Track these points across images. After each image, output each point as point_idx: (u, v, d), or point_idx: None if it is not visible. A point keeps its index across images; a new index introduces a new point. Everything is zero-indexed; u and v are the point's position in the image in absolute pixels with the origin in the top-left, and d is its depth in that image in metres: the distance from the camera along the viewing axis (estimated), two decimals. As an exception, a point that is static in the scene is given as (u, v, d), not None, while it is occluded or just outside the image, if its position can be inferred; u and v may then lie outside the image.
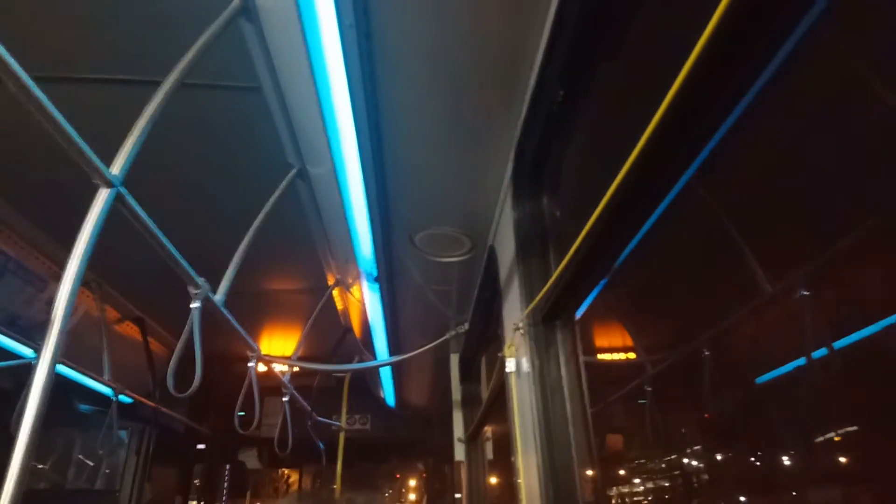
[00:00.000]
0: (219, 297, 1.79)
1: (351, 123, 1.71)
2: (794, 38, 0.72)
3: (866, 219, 1.44)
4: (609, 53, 1.34)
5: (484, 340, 3.38)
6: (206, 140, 2.12)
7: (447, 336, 2.75)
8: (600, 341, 2.97)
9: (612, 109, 1.55)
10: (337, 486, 5.03)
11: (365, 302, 3.12)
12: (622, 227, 1.18)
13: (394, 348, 3.84)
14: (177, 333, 3.30)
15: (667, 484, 2.78)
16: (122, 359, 3.54)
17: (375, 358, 3.95)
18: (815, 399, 1.79)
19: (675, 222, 1.33)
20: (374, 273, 2.73)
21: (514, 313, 1.87)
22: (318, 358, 4.34)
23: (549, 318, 1.67)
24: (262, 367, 2.56)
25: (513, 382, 1.91)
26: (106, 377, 3.21)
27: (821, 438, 1.75)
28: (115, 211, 1.13)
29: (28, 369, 0.96)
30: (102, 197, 1.09)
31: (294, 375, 3.31)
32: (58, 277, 1.00)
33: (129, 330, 3.84)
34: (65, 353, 0.97)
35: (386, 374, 4.84)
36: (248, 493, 6.92)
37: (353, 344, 4.07)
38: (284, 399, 3.19)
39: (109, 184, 1.09)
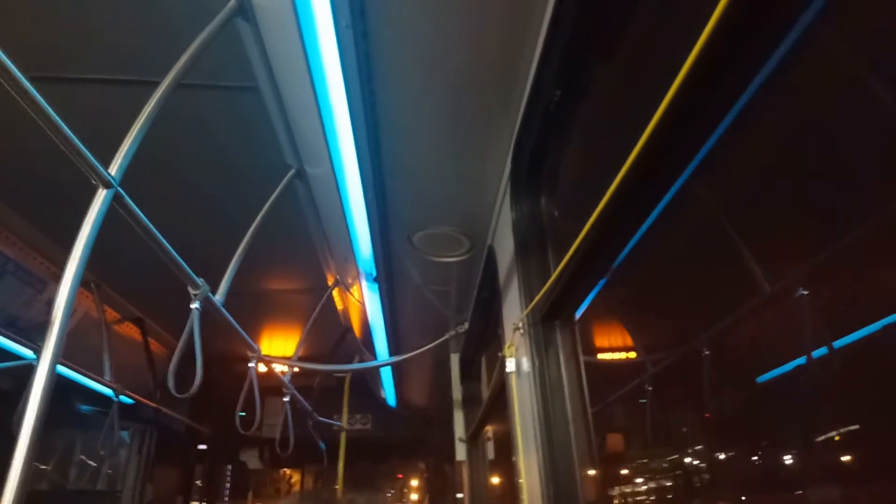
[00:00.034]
0: (218, 297, 1.79)
1: (348, 123, 1.71)
2: (792, 35, 0.72)
3: (866, 218, 1.44)
4: (606, 53, 1.34)
5: (484, 340, 3.39)
6: (204, 140, 2.13)
7: (447, 336, 2.76)
8: (600, 341, 2.97)
9: (609, 109, 1.55)
10: (339, 487, 5.03)
11: (365, 302, 3.12)
12: (621, 227, 1.18)
13: (394, 348, 3.84)
14: (177, 334, 3.31)
15: (668, 483, 2.78)
16: (123, 359, 3.54)
17: (376, 358, 3.95)
18: (816, 398, 1.79)
19: (675, 221, 1.33)
20: (374, 273, 2.74)
21: (514, 313, 1.87)
22: (319, 358, 4.35)
23: (549, 318, 1.67)
24: (262, 368, 2.57)
25: (513, 382, 1.91)
26: (107, 378, 3.22)
27: (822, 438, 1.75)
28: (114, 211, 1.13)
29: (28, 370, 0.96)
30: (100, 197, 1.09)
31: (295, 375, 3.31)
32: (57, 278, 1.01)
33: (130, 330, 3.85)
34: (65, 354, 0.97)
35: (386, 374, 4.85)
36: (250, 494, 6.92)
37: (354, 344, 4.07)
38: (285, 399, 3.19)
39: (107, 184, 1.09)
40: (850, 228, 1.48)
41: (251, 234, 1.99)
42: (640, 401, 2.79)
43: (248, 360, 2.38)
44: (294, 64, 1.50)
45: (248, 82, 1.68)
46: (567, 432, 1.54)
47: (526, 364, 1.72)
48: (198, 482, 5.72)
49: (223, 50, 1.41)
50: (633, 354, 2.91)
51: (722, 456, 2.43)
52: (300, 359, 3.63)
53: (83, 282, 1.03)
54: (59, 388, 0.93)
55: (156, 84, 1.24)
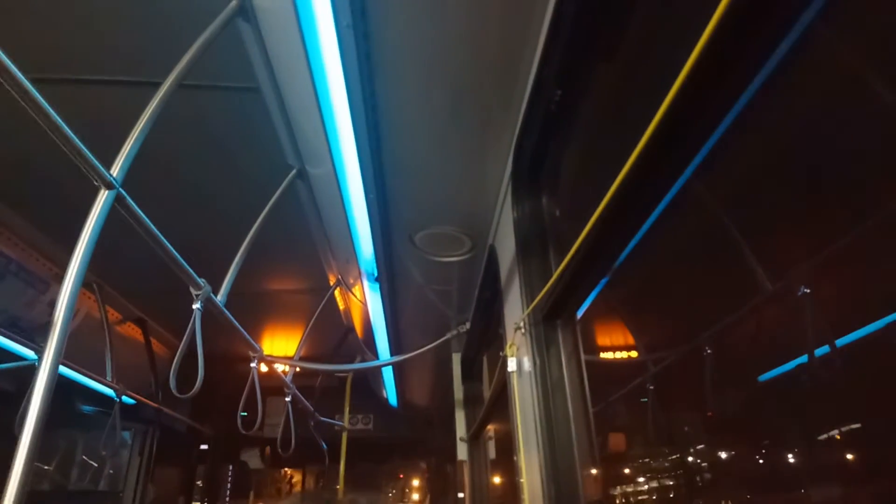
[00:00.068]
0: (220, 297, 1.80)
1: (349, 124, 1.71)
2: (793, 35, 0.72)
3: (868, 216, 1.44)
4: (606, 53, 1.34)
5: (485, 340, 3.39)
6: (206, 141, 2.13)
7: (448, 336, 2.76)
8: (602, 340, 2.97)
9: (610, 109, 1.55)
10: (340, 487, 5.03)
11: (366, 302, 3.12)
12: (622, 226, 1.18)
13: (395, 348, 3.84)
14: (179, 334, 3.31)
15: (670, 483, 2.78)
16: (125, 360, 3.54)
17: (377, 358, 3.95)
18: (818, 397, 1.79)
19: (676, 221, 1.33)
20: (375, 273, 2.74)
21: (515, 312, 1.87)
22: (321, 358, 4.35)
23: (550, 318, 1.67)
24: (264, 368, 2.57)
25: (514, 382, 1.91)
26: (108, 378, 3.22)
27: (823, 436, 1.75)
28: (116, 212, 1.14)
29: (30, 371, 0.96)
30: (102, 198, 1.09)
31: (296, 375, 3.31)
32: (59, 279, 1.01)
33: (131, 331, 3.85)
34: (67, 355, 0.97)
35: (388, 374, 4.85)
36: (251, 494, 6.93)
37: (355, 344, 4.08)
38: (287, 399, 3.20)
39: (109, 185, 1.10)
40: (851, 227, 1.48)
41: (253, 234, 1.99)
42: (642, 400, 2.79)
43: (250, 360, 2.38)
44: (295, 64, 1.50)
45: (250, 83, 1.68)
46: (568, 432, 1.54)
47: (527, 363, 1.72)
48: (199, 482, 5.73)
49: (224, 50, 1.41)
50: (634, 354, 2.91)
51: (724, 455, 2.42)
52: (302, 359, 3.63)
53: (85, 282, 1.03)
54: (60, 389, 0.94)
55: (157, 85, 1.24)
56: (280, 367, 3.31)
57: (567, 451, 1.52)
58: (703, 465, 2.55)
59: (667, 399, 2.70)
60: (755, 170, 1.66)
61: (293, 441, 3.24)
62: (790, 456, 1.96)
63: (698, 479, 2.59)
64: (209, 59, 1.34)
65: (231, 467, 6.36)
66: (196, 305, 1.64)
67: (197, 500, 5.67)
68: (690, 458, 2.63)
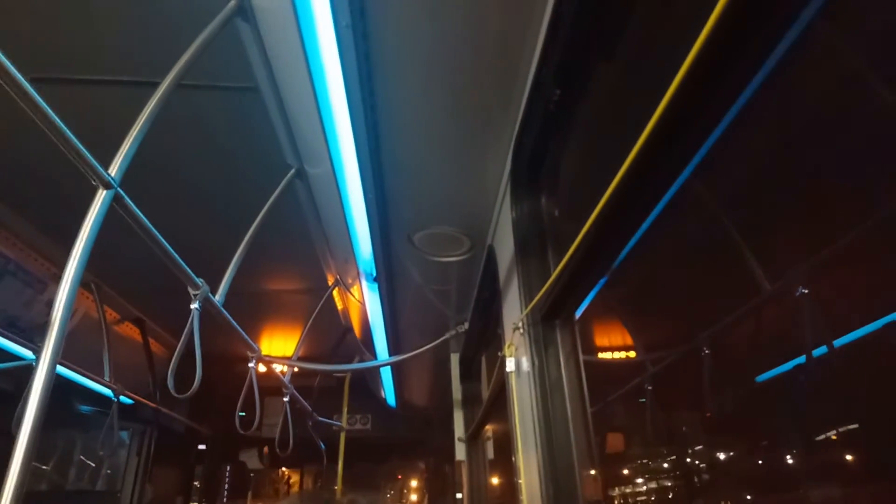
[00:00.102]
0: (218, 297, 1.79)
1: (348, 123, 1.71)
2: (791, 34, 0.73)
3: (866, 216, 1.44)
4: (605, 53, 1.34)
5: (484, 340, 3.39)
6: (204, 141, 2.13)
7: (447, 336, 2.75)
8: (600, 340, 2.97)
9: (609, 108, 1.55)
10: (338, 487, 5.03)
11: (365, 302, 3.12)
12: (621, 226, 1.18)
13: (394, 348, 3.84)
14: (177, 334, 3.31)
15: (668, 483, 2.78)
16: (123, 360, 3.54)
17: (376, 358, 3.95)
18: (816, 397, 1.79)
19: (674, 220, 1.33)
20: (374, 273, 2.74)
21: (514, 313, 1.87)
22: (319, 358, 4.35)
23: (549, 318, 1.68)
24: (262, 368, 2.57)
25: (513, 382, 1.91)
26: (106, 378, 3.22)
27: (821, 437, 1.75)
28: (114, 212, 1.14)
29: (28, 371, 0.96)
30: (100, 198, 1.09)
31: (294, 375, 3.31)
32: (57, 279, 1.01)
33: (130, 331, 3.85)
34: (65, 355, 0.97)
35: (386, 374, 4.85)
36: (249, 494, 6.92)
37: (354, 344, 4.07)
38: (285, 399, 3.19)
39: (107, 185, 1.09)
40: (850, 227, 1.48)
41: (251, 234, 1.99)
42: (640, 400, 2.79)
43: (248, 360, 2.38)
44: (294, 64, 1.50)
45: (248, 83, 1.68)
46: (566, 432, 1.54)
47: (526, 364, 1.72)
48: (197, 482, 5.72)
49: (223, 50, 1.41)
50: (632, 354, 2.91)
51: (722, 455, 2.43)
52: (300, 359, 3.63)
53: (83, 282, 1.03)
54: (58, 389, 0.93)
55: (156, 84, 1.24)
56: (278, 367, 3.31)
57: (565, 452, 1.52)
58: (702, 465, 2.56)
59: (665, 399, 2.71)
60: (753, 169, 1.66)
61: (291, 441, 3.24)
62: (788, 456, 1.96)
63: (696, 479, 2.59)
64: (208, 59, 1.33)
65: (229, 467, 6.35)
66: (194, 305, 1.63)
67: (195, 501, 5.66)
68: (689, 459, 2.63)
